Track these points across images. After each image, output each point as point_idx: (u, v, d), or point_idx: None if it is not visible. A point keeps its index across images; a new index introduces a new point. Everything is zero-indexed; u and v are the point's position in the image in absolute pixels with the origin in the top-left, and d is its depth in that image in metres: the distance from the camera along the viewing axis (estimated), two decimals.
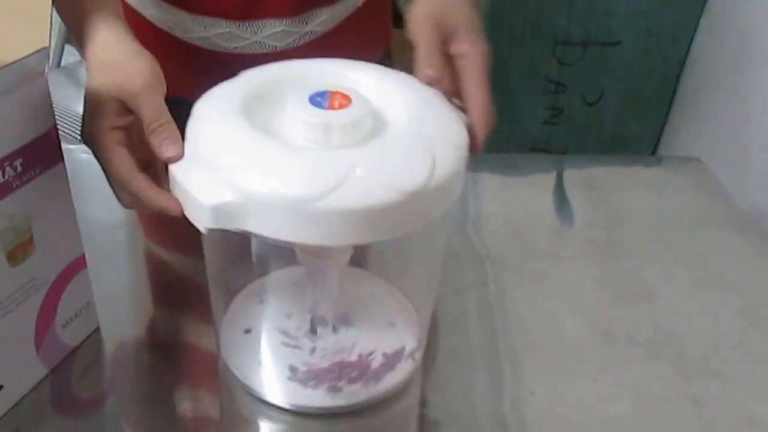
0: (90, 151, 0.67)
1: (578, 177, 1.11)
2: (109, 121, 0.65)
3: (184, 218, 0.62)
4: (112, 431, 0.73)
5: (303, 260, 0.70)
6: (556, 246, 0.98)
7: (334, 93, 0.63)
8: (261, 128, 0.61)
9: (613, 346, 0.82)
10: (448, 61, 0.71)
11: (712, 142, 1.82)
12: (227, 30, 0.94)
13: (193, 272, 0.90)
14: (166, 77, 0.67)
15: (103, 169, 0.67)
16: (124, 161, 0.65)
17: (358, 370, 0.72)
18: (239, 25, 0.93)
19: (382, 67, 0.72)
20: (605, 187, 1.09)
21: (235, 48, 0.96)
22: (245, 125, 0.61)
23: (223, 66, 0.94)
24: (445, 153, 0.61)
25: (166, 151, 0.63)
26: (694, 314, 0.87)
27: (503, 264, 0.93)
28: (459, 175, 0.63)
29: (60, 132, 0.68)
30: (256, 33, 0.94)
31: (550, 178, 1.10)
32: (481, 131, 0.69)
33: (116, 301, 0.84)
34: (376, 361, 0.73)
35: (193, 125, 0.63)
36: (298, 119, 0.62)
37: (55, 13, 0.71)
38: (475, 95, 0.70)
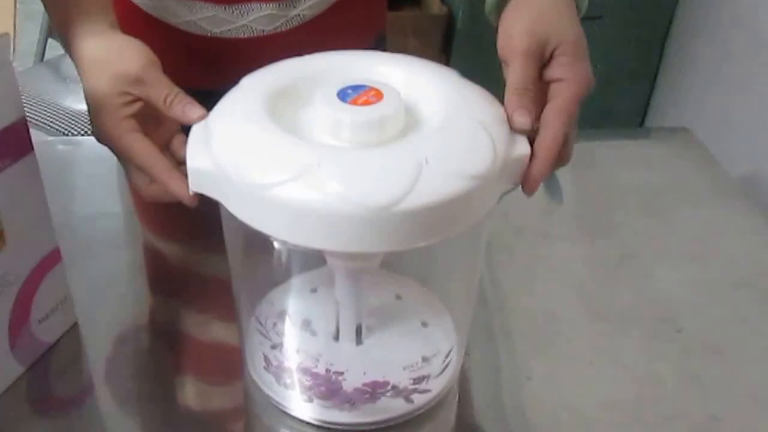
0: (70, 143, 0.65)
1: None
2: (118, 114, 0.65)
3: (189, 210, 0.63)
4: (94, 431, 0.70)
5: (331, 263, 0.66)
6: (545, 224, 0.95)
7: (369, 89, 0.59)
8: (279, 120, 0.58)
9: (609, 326, 0.80)
10: (541, 85, 0.63)
11: (699, 112, 1.81)
12: (214, 13, 0.91)
13: (191, 264, 0.88)
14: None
15: (123, 162, 0.67)
16: (144, 146, 0.65)
17: (327, 387, 0.68)
18: (226, 9, 0.91)
19: (419, 60, 0.66)
20: (593, 162, 1.07)
21: (222, 32, 0.93)
22: (258, 111, 0.58)
23: (211, 51, 0.94)
24: (440, 170, 0.54)
25: (191, 112, 0.63)
26: (690, 289, 0.85)
27: (492, 245, 0.90)
28: (455, 202, 0.54)
29: (43, 125, 0.66)
30: (242, 16, 0.91)
31: None
32: (540, 165, 0.59)
33: (95, 295, 0.81)
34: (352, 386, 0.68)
35: (218, 105, 0.62)
36: (319, 114, 0.59)
37: (36, 7, 0.70)
38: (550, 122, 0.60)
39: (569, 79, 0.62)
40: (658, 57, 2.01)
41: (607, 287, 0.86)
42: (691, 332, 0.80)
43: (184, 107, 0.64)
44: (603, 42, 1.89)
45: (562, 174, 1.02)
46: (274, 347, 0.70)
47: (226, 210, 0.58)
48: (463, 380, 0.74)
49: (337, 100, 0.58)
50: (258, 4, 0.91)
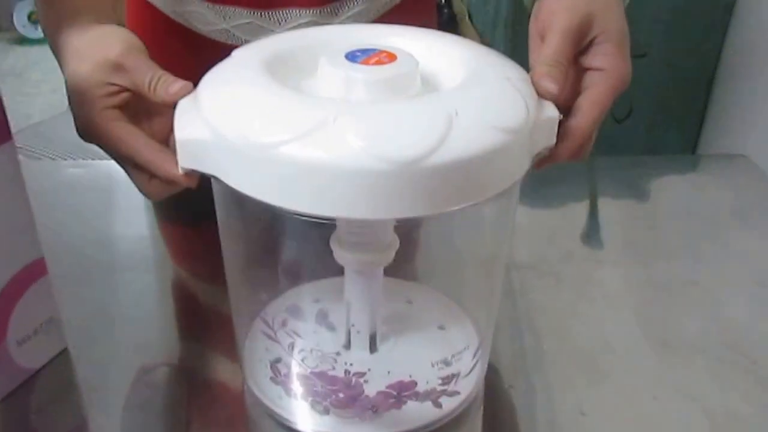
0: (82, 165, 0.59)
1: (615, 177, 1.02)
2: (101, 104, 0.59)
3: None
4: None
5: (340, 258, 0.59)
6: (594, 249, 0.87)
7: (380, 51, 0.54)
8: (279, 81, 0.51)
9: (673, 356, 0.71)
10: (577, 70, 0.60)
11: (755, 142, 1.74)
12: (249, 21, 0.86)
13: (212, 301, 0.80)
14: (186, 77, 0.61)
15: (118, 161, 0.62)
16: (129, 132, 0.59)
17: (347, 393, 0.60)
18: (262, 15, 0.86)
19: (430, 30, 0.62)
20: (645, 185, 1.00)
21: None
22: (256, 74, 0.52)
23: None
24: (472, 122, 0.48)
25: (172, 87, 0.56)
26: (759, 316, 0.76)
27: (538, 270, 0.82)
28: (478, 158, 0.47)
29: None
30: (280, 24, 0.86)
31: (583, 179, 1.00)
32: (563, 151, 0.57)
33: (93, 321, 0.73)
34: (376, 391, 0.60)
35: (206, 75, 0.56)
36: (327, 76, 0.52)
37: None
38: (585, 111, 0.57)
39: (609, 70, 0.59)
40: (707, 92, 1.95)
41: (668, 314, 0.76)
42: (765, 362, 0.70)
43: (168, 86, 0.57)
44: (647, 81, 1.84)
45: (611, 198, 0.97)
46: (282, 352, 0.63)
47: (221, 195, 0.52)
48: (509, 414, 0.66)
49: (346, 62, 0.52)
50: (297, 11, 0.85)
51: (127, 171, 0.62)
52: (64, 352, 0.68)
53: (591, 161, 1.05)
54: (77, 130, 0.62)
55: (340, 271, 0.62)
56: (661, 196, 0.98)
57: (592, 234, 0.90)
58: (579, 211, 0.94)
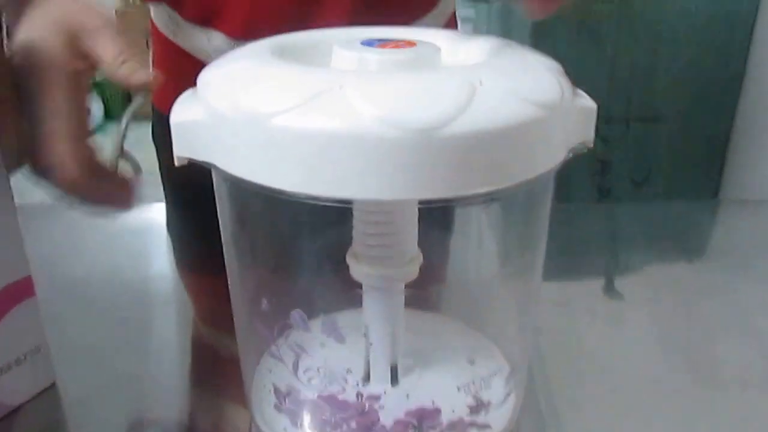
0: None
1: (639, 218, 0.99)
2: (70, 64, 0.54)
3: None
4: None
5: (358, 274, 0.53)
6: (623, 285, 0.82)
7: (398, 40, 0.49)
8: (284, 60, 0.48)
9: (724, 392, 0.65)
10: None
11: None
12: None
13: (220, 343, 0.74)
14: None
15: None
16: (66, 100, 0.53)
17: (359, 421, 0.53)
18: None
19: (459, 32, 0.57)
20: (670, 228, 0.96)
21: None
22: (264, 54, 0.48)
23: None
24: (498, 92, 0.42)
25: (137, 73, 0.53)
26: None
27: (568, 308, 0.77)
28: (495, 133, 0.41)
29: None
30: None
31: (603, 223, 0.98)
32: None
33: (85, 356, 0.67)
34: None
35: (210, 64, 0.51)
36: (340, 60, 0.48)
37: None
38: None
39: None
40: (723, 152, 1.94)
41: (715, 345, 0.71)
42: None
43: (137, 68, 0.53)
44: (665, 143, 1.84)
45: (634, 238, 0.92)
46: (286, 373, 0.56)
47: (224, 198, 0.48)
48: None
49: (362, 46, 0.47)
50: None
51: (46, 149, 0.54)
52: (51, 388, 0.62)
53: (612, 209, 1.02)
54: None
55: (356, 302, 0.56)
56: (688, 238, 0.94)
57: (617, 274, 0.85)
58: (601, 254, 0.90)
